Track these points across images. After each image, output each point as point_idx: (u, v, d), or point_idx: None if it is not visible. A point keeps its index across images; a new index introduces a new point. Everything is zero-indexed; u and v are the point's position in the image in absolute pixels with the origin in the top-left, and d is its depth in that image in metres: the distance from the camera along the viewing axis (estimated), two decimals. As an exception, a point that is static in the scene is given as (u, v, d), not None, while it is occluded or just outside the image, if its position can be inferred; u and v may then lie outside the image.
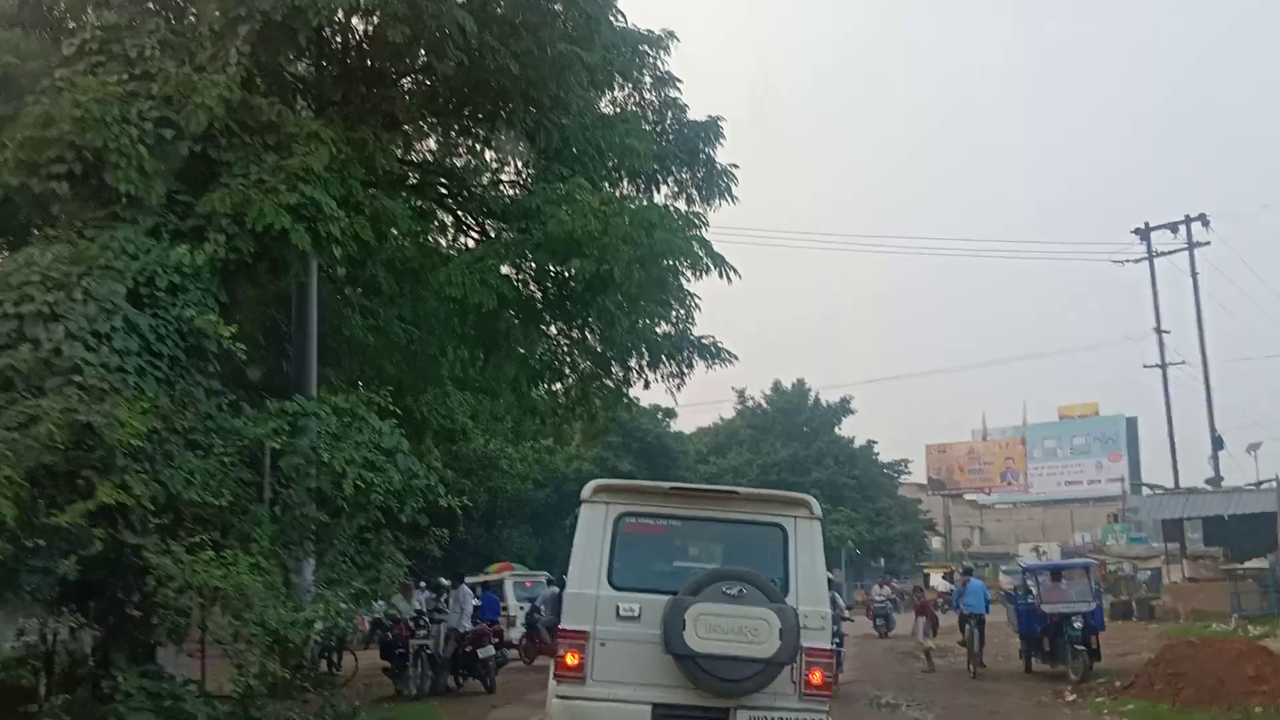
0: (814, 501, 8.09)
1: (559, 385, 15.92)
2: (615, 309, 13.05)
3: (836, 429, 58.20)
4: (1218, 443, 33.09)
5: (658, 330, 14.14)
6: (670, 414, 52.32)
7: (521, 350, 14.42)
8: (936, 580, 49.41)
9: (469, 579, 19.59)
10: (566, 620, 7.76)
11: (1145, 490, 31.70)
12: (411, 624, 15.69)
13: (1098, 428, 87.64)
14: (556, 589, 20.36)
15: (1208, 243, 34.63)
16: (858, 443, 57.97)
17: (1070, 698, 14.44)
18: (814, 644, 7.51)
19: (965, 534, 77.72)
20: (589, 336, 14.53)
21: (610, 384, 15.48)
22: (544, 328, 14.57)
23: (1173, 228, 35.02)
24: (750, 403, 59.40)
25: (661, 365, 14.62)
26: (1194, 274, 34.64)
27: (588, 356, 14.91)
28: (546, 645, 16.51)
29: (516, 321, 13.90)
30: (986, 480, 77.60)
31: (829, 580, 9.04)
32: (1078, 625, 16.25)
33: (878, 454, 58.54)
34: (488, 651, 15.68)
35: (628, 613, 7.58)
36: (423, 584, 21.88)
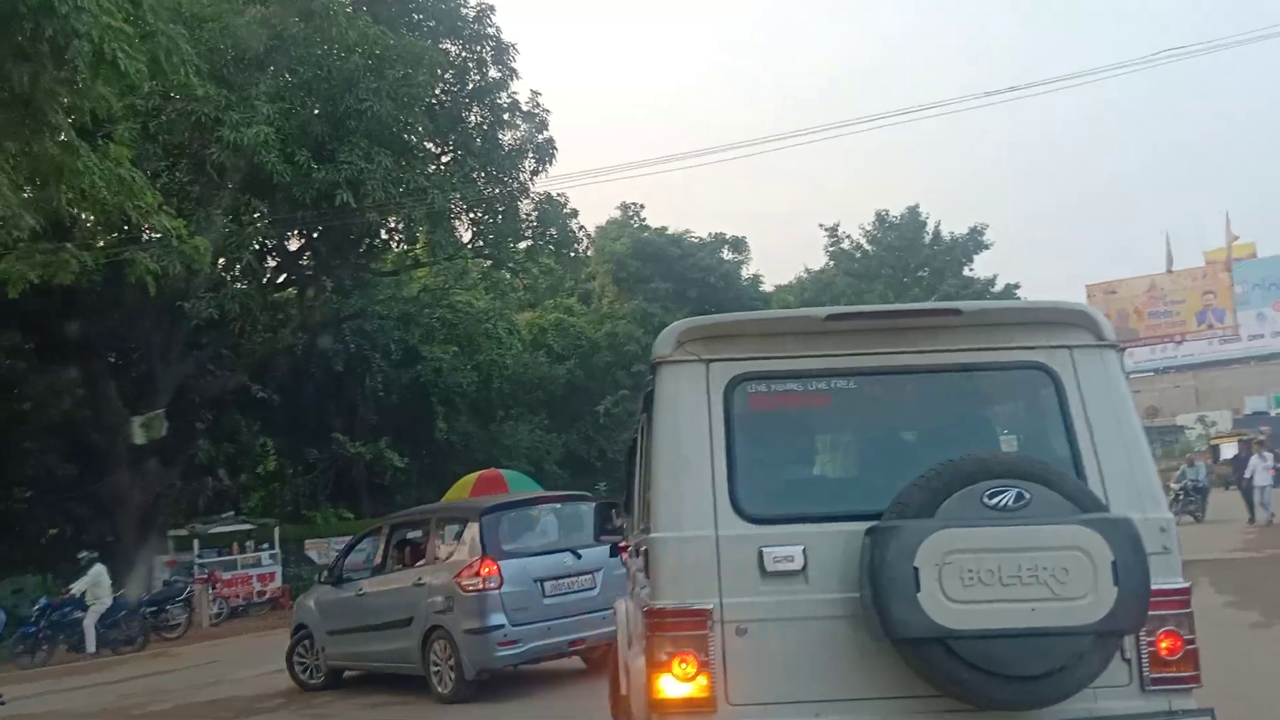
0: (1098, 316, 3.87)
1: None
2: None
3: (966, 269, 42.99)
4: None
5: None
6: (739, 245, 37.27)
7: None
8: (1227, 450, 36.42)
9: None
10: (664, 593, 3.62)
11: None
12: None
13: (1256, 271, 71.70)
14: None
15: None
16: (998, 285, 42.68)
17: None
18: (1157, 583, 3.36)
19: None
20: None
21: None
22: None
23: None
24: (846, 243, 44.23)
25: None
26: None
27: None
28: None
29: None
30: (1177, 324, 61.27)
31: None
32: None
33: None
34: None
35: (782, 564, 3.54)
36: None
